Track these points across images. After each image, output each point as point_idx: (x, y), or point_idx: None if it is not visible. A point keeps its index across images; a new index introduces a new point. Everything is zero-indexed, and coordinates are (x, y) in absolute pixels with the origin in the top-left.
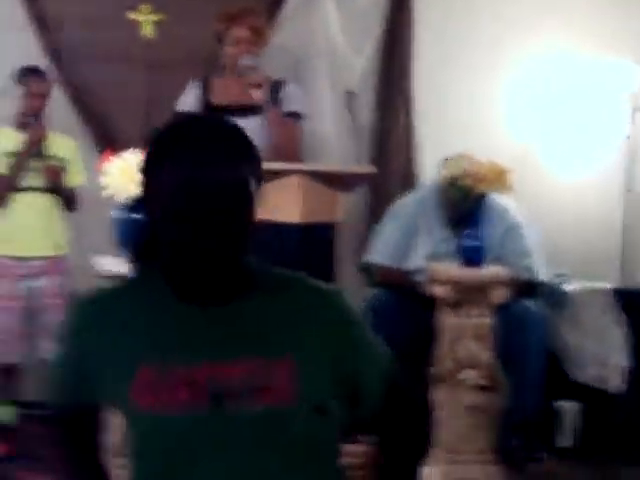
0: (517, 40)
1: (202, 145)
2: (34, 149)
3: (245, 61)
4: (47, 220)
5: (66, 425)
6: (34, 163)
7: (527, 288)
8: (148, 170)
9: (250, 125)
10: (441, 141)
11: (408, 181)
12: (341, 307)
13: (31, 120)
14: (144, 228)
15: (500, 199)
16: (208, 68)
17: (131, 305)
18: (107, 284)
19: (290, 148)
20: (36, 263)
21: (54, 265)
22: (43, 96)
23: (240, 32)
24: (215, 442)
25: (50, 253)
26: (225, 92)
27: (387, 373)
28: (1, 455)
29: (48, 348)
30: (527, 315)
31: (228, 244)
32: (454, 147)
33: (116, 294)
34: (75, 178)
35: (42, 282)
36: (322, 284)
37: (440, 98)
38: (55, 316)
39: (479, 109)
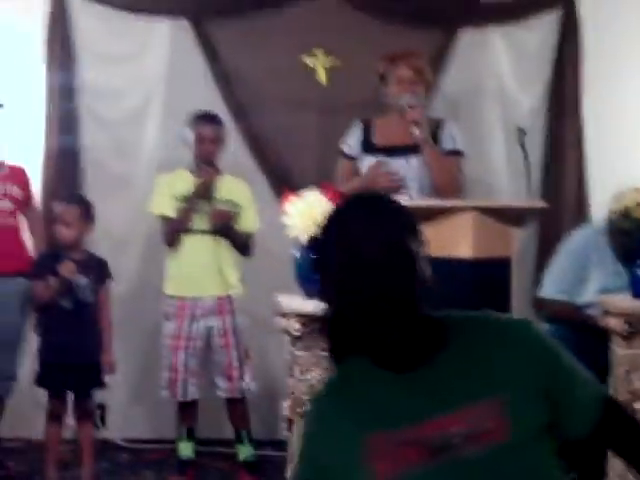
0: None
1: (361, 223)
2: (204, 193)
3: (406, 99)
4: (216, 261)
5: None
6: (204, 206)
7: None
8: (319, 254)
9: (411, 164)
10: (612, 174)
11: (579, 215)
12: (537, 336)
13: (203, 164)
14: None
15: None
16: (374, 110)
17: (346, 387)
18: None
19: (451, 186)
20: (209, 303)
21: (225, 305)
22: (215, 141)
23: (402, 71)
24: None
25: (220, 293)
26: (386, 132)
27: (601, 391)
28: None
29: (222, 386)
30: None
31: (403, 307)
32: (625, 179)
33: (332, 383)
34: (248, 223)
35: (214, 321)
36: (510, 317)
37: (611, 130)
38: (233, 354)
39: None
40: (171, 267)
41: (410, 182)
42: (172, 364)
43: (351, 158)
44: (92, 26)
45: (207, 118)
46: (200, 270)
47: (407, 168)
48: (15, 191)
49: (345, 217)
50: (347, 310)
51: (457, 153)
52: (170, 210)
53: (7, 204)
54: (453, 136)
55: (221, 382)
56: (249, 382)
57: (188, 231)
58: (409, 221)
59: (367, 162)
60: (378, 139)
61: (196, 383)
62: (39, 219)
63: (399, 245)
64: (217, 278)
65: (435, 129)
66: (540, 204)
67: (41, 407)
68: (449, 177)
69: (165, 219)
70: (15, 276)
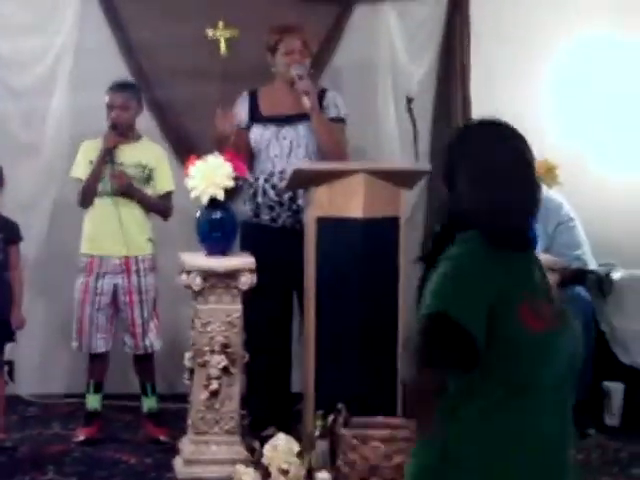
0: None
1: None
2: (107, 157)
3: (297, 70)
4: (120, 222)
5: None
6: (107, 170)
7: (577, 276)
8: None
9: (298, 132)
10: None
11: None
12: None
13: (111, 130)
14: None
15: (554, 195)
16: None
17: (486, 255)
18: None
19: (337, 151)
20: (114, 262)
21: (130, 264)
22: (123, 107)
23: (291, 43)
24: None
25: (125, 253)
26: (273, 101)
27: None
28: (88, 438)
29: (127, 342)
30: (577, 300)
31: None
32: None
33: (472, 251)
34: (163, 184)
35: (119, 280)
36: None
37: (495, 98)
38: (136, 312)
39: (531, 106)
40: (84, 227)
41: (297, 149)
42: (79, 317)
43: (239, 127)
44: None
45: (116, 86)
46: (105, 230)
47: (295, 136)
48: None
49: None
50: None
51: (341, 120)
52: (84, 174)
53: None
54: (337, 104)
55: (127, 339)
56: (153, 340)
57: (96, 194)
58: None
59: (255, 131)
60: (265, 109)
61: (104, 337)
62: None
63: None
64: (121, 239)
65: (319, 98)
66: (425, 167)
67: None
68: (335, 143)
69: (79, 182)
70: None
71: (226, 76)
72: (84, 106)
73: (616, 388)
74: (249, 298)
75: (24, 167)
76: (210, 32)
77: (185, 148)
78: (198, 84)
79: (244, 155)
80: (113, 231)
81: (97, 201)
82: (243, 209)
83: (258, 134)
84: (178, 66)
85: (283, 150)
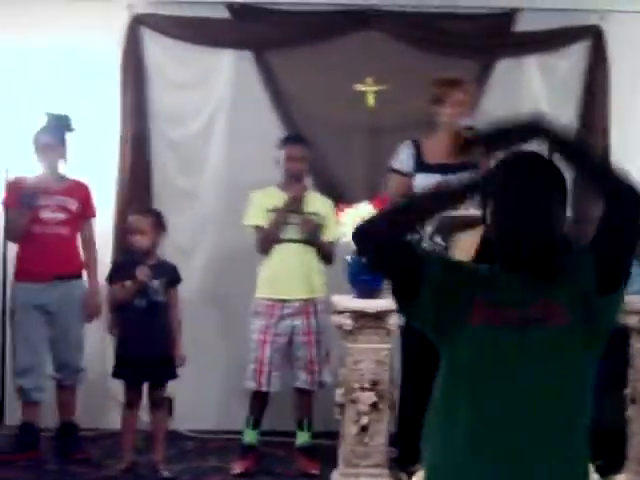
0: None
1: (526, 176)
2: (295, 205)
3: (465, 122)
4: (303, 267)
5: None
6: (294, 218)
7: None
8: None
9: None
10: None
11: None
12: None
13: (293, 181)
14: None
15: None
16: (416, 131)
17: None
18: None
19: None
20: (295, 304)
21: (310, 306)
22: (302, 159)
23: (459, 95)
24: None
25: (306, 296)
26: (436, 151)
27: None
28: (245, 471)
29: (302, 379)
30: None
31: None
32: None
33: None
34: (332, 232)
35: (300, 321)
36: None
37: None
38: (309, 351)
39: None
40: (263, 272)
41: None
42: (259, 357)
43: (403, 174)
44: (162, 55)
45: (296, 139)
46: (289, 275)
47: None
48: (71, 203)
49: (514, 169)
50: (504, 233)
51: None
52: (262, 221)
53: (61, 215)
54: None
55: (302, 375)
56: (326, 377)
57: (280, 240)
58: (559, 179)
59: (420, 179)
60: (429, 157)
61: (278, 376)
62: (91, 231)
63: (549, 196)
64: (304, 282)
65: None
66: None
67: (112, 399)
68: None
69: (258, 229)
70: (72, 279)
71: (372, 129)
72: (239, 157)
73: None
74: (405, 335)
75: (182, 213)
76: (359, 87)
77: (334, 197)
78: (346, 136)
79: None
80: (297, 276)
81: (280, 247)
82: None
83: (424, 181)
84: (328, 119)
85: None
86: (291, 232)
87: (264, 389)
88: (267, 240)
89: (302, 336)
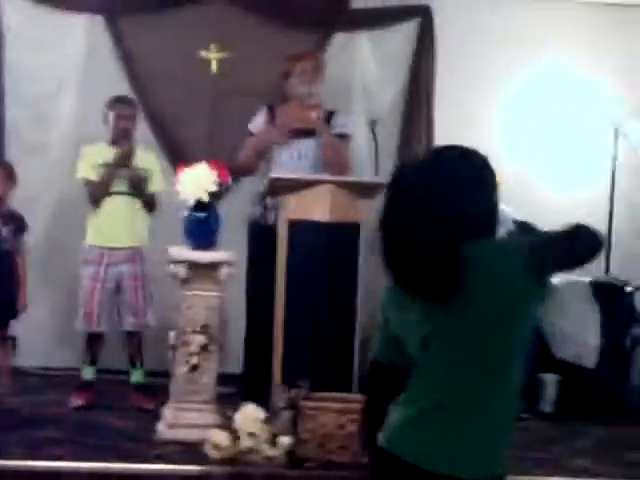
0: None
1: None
2: (123, 161)
3: (308, 88)
4: (130, 217)
5: (375, 376)
6: (122, 172)
7: None
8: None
9: (309, 145)
10: None
11: None
12: None
13: (121, 138)
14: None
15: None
16: (268, 99)
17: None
18: None
19: (341, 163)
20: (122, 252)
21: (137, 254)
22: (131, 119)
23: (306, 66)
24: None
25: (131, 244)
26: (288, 117)
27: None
28: (81, 405)
29: (130, 322)
30: None
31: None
32: None
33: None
34: (156, 185)
35: (125, 268)
36: None
37: (456, 122)
38: (135, 296)
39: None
40: (92, 222)
41: (304, 159)
42: (88, 301)
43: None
44: (20, 17)
45: (124, 100)
46: (117, 224)
47: (302, 147)
48: None
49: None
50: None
51: (345, 136)
52: (93, 175)
53: None
54: (343, 123)
55: (129, 318)
56: (151, 319)
57: (110, 193)
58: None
59: None
60: (280, 122)
61: (106, 318)
62: None
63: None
64: (130, 231)
65: (328, 117)
66: (381, 180)
67: None
68: (340, 156)
69: (89, 183)
70: None
71: (215, 92)
72: (88, 114)
73: (551, 379)
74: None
75: (31, 165)
76: (203, 53)
77: (175, 156)
78: (189, 98)
79: (259, 159)
80: (124, 225)
81: (109, 199)
82: (252, 210)
83: None
84: (173, 81)
85: (292, 159)
86: (119, 185)
87: (94, 329)
88: (97, 193)
89: (129, 281)
